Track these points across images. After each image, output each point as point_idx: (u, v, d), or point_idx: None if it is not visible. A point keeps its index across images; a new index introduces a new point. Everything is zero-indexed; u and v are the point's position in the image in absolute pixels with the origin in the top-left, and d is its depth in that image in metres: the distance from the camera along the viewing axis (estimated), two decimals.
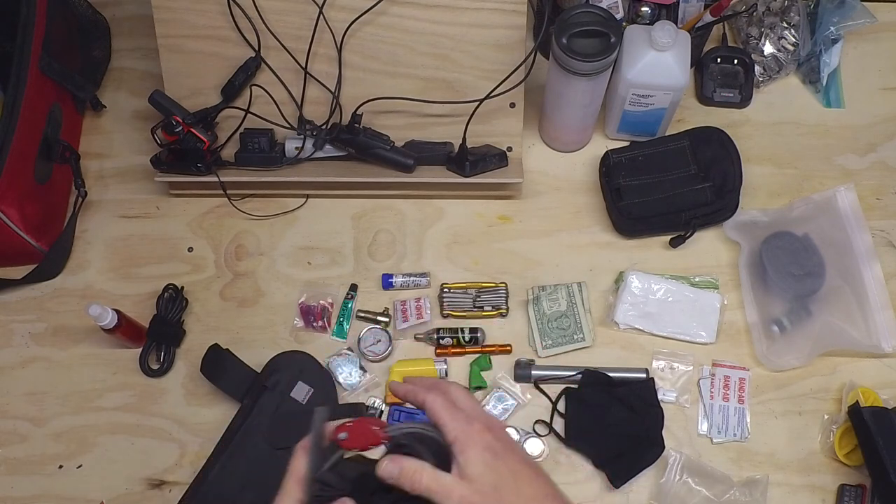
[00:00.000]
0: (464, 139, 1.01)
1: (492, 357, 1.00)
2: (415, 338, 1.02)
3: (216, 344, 0.99)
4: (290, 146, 1.04)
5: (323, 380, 0.97)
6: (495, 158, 1.05)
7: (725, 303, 1.02)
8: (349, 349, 1.01)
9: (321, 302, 1.03)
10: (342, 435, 0.62)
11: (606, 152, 1.08)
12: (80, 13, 1.15)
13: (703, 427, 0.97)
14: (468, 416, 0.57)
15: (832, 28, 1.14)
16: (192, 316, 1.04)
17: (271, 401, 0.94)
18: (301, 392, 0.95)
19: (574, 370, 0.98)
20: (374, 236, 1.08)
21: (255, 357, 1.00)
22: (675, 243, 1.05)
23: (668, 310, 1.01)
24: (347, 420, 0.63)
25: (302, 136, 1.04)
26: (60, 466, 0.97)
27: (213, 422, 0.98)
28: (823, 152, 1.12)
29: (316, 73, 1.03)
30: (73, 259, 1.08)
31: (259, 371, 0.98)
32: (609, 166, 1.06)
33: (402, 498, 0.57)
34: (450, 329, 1.01)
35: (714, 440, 0.96)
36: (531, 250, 1.07)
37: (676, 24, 1.07)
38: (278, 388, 0.95)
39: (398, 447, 0.60)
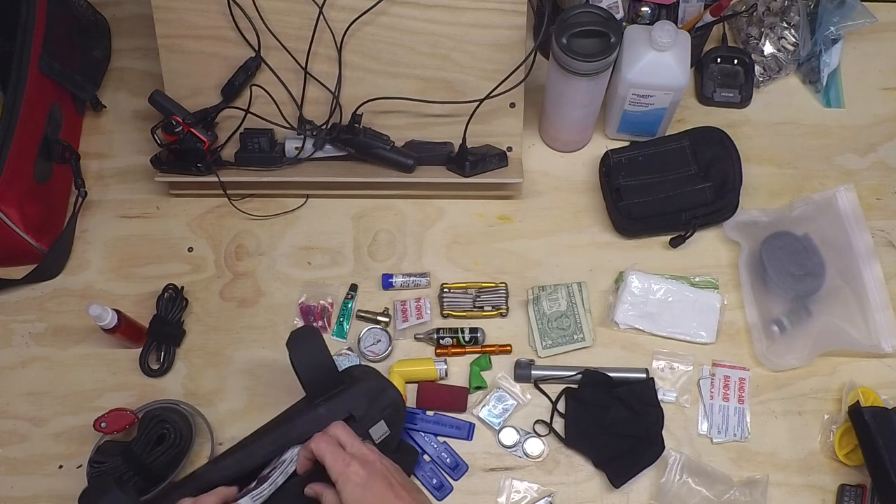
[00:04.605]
0: (464, 139, 1.01)
1: (492, 357, 1.00)
2: (415, 338, 1.02)
3: (312, 326, 0.92)
4: (290, 146, 1.04)
5: (399, 422, 0.88)
6: (495, 158, 1.05)
7: (725, 303, 1.02)
8: (349, 349, 1.01)
9: (321, 302, 1.04)
10: (103, 424, 0.90)
11: (606, 152, 1.08)
12: (80, 13, 1.15)
13: (703, 427, 0.97)
14: (345, 458, 0.75)
15: (832, 28, 1.14)
16: (192, 316, 1.04)
17: None
18: (378, 431, 0.86)
19: (574, 370, 0.98)
20: (374, 236, 1.08)
21: (256, 357, 1.00)
22: (675, 243, 1.05)
23: (668, 310, 1.01)
24: (103, 413, 0.91)
25: (302, 136, 1.04)
26: (60, 466, 0.97)
27: (213, 422, 0.98)
28: (823, 152, 1.13)
29: (316, 73, 1.03)
30: (73, 259, 1.08)
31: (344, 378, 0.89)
32: (609, 166, 1.06)
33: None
34: (450, 329, 1.01)
35: (714, 440, 0.96)
36: (531, 250, 1.07)
37: (676, 24, 1.07)
38: (363, 421, 0.85)
39: (149, 420, 0.91)
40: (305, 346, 0.87)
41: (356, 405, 0.85)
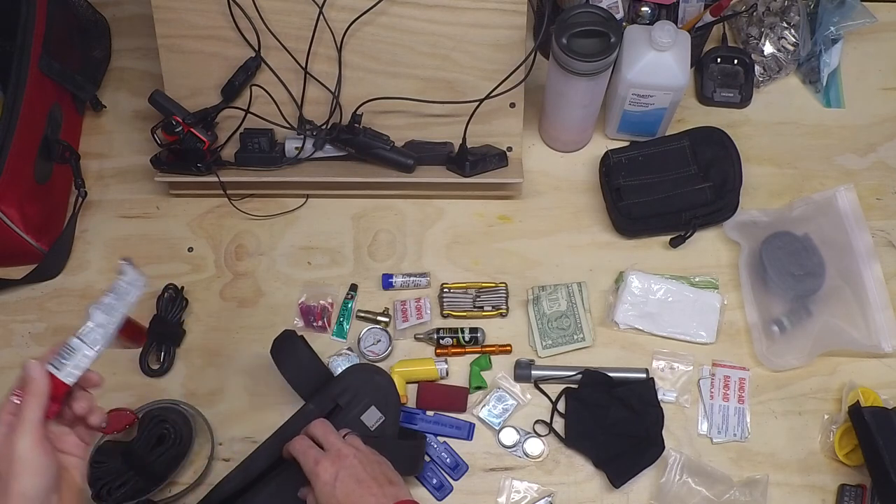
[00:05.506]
0: (464, 139, 1.01)
1: (492, 357, 1.00)
2: (415, 338, 1.02)
3: (291, 330, 0.95)
4: (290, 146, 1.04)
5: (394, 407, 0.90)
6: (495, 158, 1.05)
7: (725, 303, 1.02)
8: (349, 349, 1.01)
9: (321, 302, 1.03)
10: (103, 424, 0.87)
11: (606, 152, 1.08)
12: (80, 13, 1.15)
13: (703, 427, 0.97)
14: (315, 457, 0.79)
15: (832, 28, 1.14)
16: (192, 316, 1.04)
17: (340, 423, 0.86)
18: (372, 418, 0.88)
19: (574, 370, 0.98)
20: (374, 236, 1.08)
21: (256, 357, 1.00)
22: (675, 243, 1.05)
23: (668, 310, 1.01)
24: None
25: (302, 136, 1.04)
26: None
27: (213, 422, 0.98)
28: (823, 152, 1.13)
29: (316, 73, 1.03)
30: (73, 259, 1.08)
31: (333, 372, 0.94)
32: (609, 166, 1.06)
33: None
34: (450, 329, 1.01)
35: (714, 440, 0.96)
36: (531, 250, 1.07)
37: (676, 24, 1.07)
38: (351, 409, 0.88)
39: (149, 420, 0.91)
40: (287, 351, 0.91)
41: (341, 393, 0.89)
